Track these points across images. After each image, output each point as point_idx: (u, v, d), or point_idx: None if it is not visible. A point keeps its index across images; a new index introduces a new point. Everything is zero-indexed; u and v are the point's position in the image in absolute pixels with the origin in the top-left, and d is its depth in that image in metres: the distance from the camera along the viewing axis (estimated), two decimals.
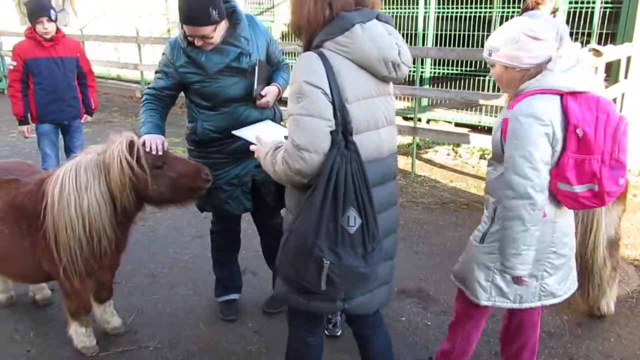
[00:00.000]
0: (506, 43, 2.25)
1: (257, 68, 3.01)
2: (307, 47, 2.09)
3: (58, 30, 5.07)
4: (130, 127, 9.42)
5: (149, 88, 3.17)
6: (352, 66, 2.03)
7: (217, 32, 2.93)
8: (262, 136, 2.37)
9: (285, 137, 2.09)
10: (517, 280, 2.35)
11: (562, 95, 2.20)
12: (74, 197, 2.78)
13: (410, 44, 8.04)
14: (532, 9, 5.08)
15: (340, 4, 2.00)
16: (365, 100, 2.08)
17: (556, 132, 2.19)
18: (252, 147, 2.36)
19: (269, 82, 3.19)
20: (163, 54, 3.12)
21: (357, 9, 2.03)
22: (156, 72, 3.16)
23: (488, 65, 2.46)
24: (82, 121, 5.44)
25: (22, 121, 5.16)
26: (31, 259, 3.01)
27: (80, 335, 3.25)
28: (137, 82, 11.16)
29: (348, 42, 1.98)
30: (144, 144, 2.84)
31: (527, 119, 2.17)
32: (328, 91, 1.95)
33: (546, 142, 2.19)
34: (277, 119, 3.36)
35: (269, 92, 3.12)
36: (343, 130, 1.98)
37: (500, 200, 2.34)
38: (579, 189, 2.23)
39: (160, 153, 2.85)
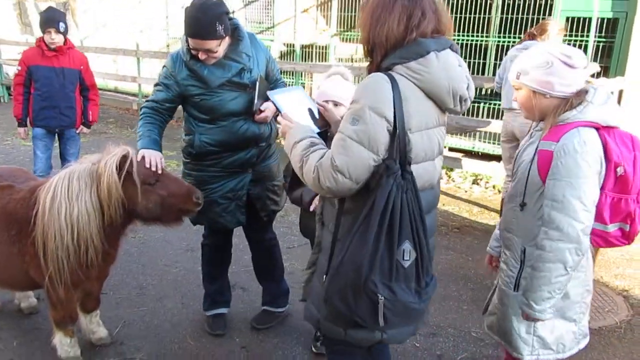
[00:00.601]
0: (538, 67, 2.15)
1: (257, 83, 3.05)
2: (376, 68, 1.99)
3: (67, 41, 5.35)
4: (126, 138, 9.45)
5: (148, 101, 3.16)
6: (420, 94, 1.93)
7: (221, 47, 2.97)
8: (292, 113, 2.24)
9: (311, 112, 2.04)
10: (534, 320, 2.26)
11: (597, 129, 2.09)
12: (65, 206, 2.76)
13: None
14: (532, 39, 5.16)
15: (422, 29, 1.91)
16: (426, 131, 1.98)
17: (601, 169, 2.09)
18: (280, 119, 2.22)
19: (266, 98, 3.23)
20: (164, 66, 3.13)
21: (433, 37, 1.94)
22: (156, 85, 3.16)
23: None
24: (77, 131, 5.59)
25: (20, 123, 5.49)
26: (19, 266, 2.98)
27: (64, 345, 3.20)
28: (134, 94, 11.19)
29: (422, 69, 1.89)
30: (142, 158, 2.83)
31: (582, 156, 2.03)
32: (391, 118, 1.85)
33: (597, 182, 2.08)
34: (273, 135, 3.39)
35: (268, 108, 3.15)
36: (401, 160, 1.87)
37: (530, 239, 2.21)
38: (611, 228, 2.15)
39: (159, 170, 2.83)
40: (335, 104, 2.59)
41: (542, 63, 2.15)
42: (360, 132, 1.85)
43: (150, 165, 2.81)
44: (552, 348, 2.35)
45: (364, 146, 1.85)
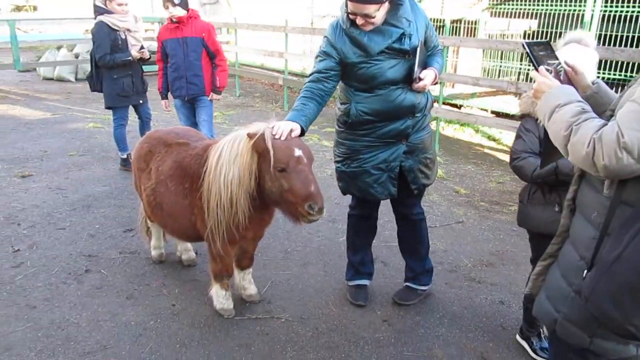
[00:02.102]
0: None
1: (418, 50, 2.94)
2: None
3: (189, 12, 5.54)
4: (270, 112, 9.88)
5: (310, 74, 3.10)
6: None
7: (380, 13, 2.89)
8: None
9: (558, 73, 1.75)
10: None
11: None
12: (226, 167, 2.90)
13: None
14: None
15: None
16: None
17: None
18: (536, 75, 1.88)
19: (424, 66, 3.11)
20: (324, 37, 3.12)
21: None
22: (316, 57, 3.13)
23: None
24: (209, 99, 5.77)
25: (161, 96, 5.94)
26: (189, 217, 3.23)
27: (220, 297, 3.44)
28: (279, 71, 11.63)
29: None
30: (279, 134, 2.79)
31: None
32: None
33: None
34: (429, 106, 3.27)
35: (427, 76, 3.04)
36: None
37: None
38: None
39: (283, 138, 2.76)
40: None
41: None
42: None
43: (276, 133, 2.77)
44: None
45: None
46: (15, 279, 3.85)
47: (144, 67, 6.32)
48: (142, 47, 6.05)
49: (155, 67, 6.08)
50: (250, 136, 2.81)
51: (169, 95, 5.90)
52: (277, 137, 2.76)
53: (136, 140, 6.71)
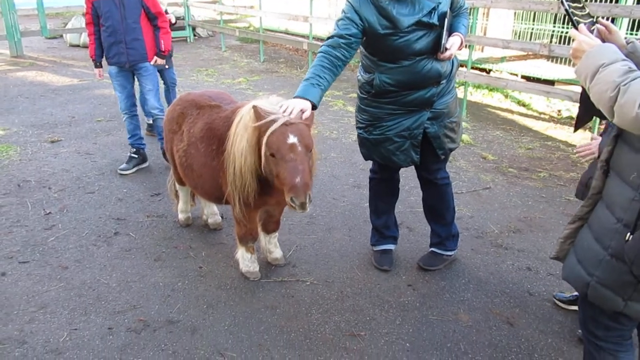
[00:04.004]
0: None
1: (446, 20, 2.83)
2: None
3: None
4: (295, 78, 9.79)
5: (329, 38, 2.90)
6: None
7: None
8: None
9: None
10: None
11: None
12: (240, 136, 2.86)
13: None
14: None
15: None
16: None
17: None
18: (575, 34, 1.79)
19: (450, 32, 3.00)
20: (347, 2, 2.92)
21: None
22: (339, 20, 2.93)
23: None
24: (152, 63, 5.19)
25: (95, 64, 5.23)
26: (217, 179, 3.24)
27: (245, 260, 3.48)
28: (303, 35, 11.47)
29: None
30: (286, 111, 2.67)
31: None
32: None
33: None
34: (455, 70, 3.17)
35: (453, 44, 2.93)
36: None
37: None
38: None
39: (291, 117, 2.63)
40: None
41: None
42: None
43: (285, 111, 2.65)
44: None
45: None
46: (47, 240, 3.95)
47: None
48: (166, 12, 5.99)
49: (180, 33, 5.92)
50: (254, 108, 2.71)
51: (104, 62, 5.19)
52: (285, 114, 2.63)
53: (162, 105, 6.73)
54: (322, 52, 2.86)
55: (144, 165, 5.45)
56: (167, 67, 6.21)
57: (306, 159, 2.65)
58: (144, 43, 5.07)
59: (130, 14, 4.92)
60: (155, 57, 5.19)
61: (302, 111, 2.67)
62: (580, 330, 3.02)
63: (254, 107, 2.71)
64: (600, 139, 2.56)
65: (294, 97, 2.72)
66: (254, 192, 2.96)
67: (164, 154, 5.38)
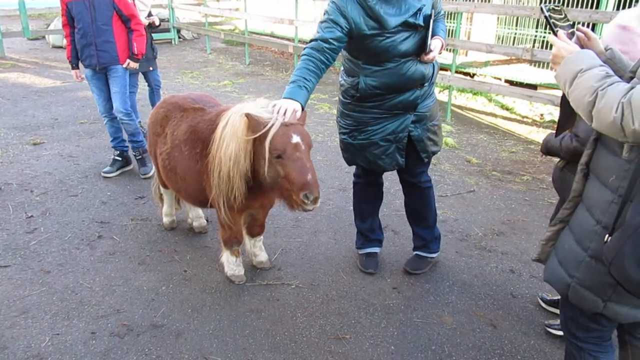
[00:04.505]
0: None
1: (431, 22, 2.86)
2: None
3: None
4: (280, 81, 9.79)
5: (312, 40, 2.88)
6: None
7: None
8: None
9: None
10: None
11: None
12: (228, 140, 2.83)
13: None
14: None
15: None
16: None
17: None
18: (554, 41, 1.84)
19: (433, 36, 3.02)
20: (332, 2, 2.89)
21: None
22: (322, 22, 2.88)
23: None
24: (124, 66, 5.01)
25: (72, 66, 5.09)
26: (200, 182, 3.22)
27: (230, 263, 3.46)
28: (289, 39, 11.47)
29: None
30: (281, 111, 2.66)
31: None
32: None
33: None
34: (436, 73, 3.19)
35: (436, 47, 2.96)
36: None
37: None
38: None
39: (286, 119, 2.64)
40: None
41: None
42: None
43: (279, 112, 2.65)
44: None
45: None
46: (29, 244, 3.90)
47: (153, 34, 6.22)
48: (150, 14, 5.96)
49: (165, 35, 5.87)
50: (247, 117, 2.69)
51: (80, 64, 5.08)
52: (279, 117, 2.64)
53: (146, 108, 6.72)
54: (306, 54, 2.85)
55: (127, 168, 5.41)
56: (151, 69, 6.18)
57: (309, 156, 2.71)
58: (115, 46, 4.90)
59: (100, 15, 4.77)
60: (128, 60, 5.01)
61: (295, 111, 2.68)
62: (546, 322, 3.11)
63: (248, 116, 2.68)
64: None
65: (283, 98, 2.72)
66: (242, 195, 2.95)
67: (136, 156, 5.35)
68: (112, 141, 5.35)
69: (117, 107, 5.05)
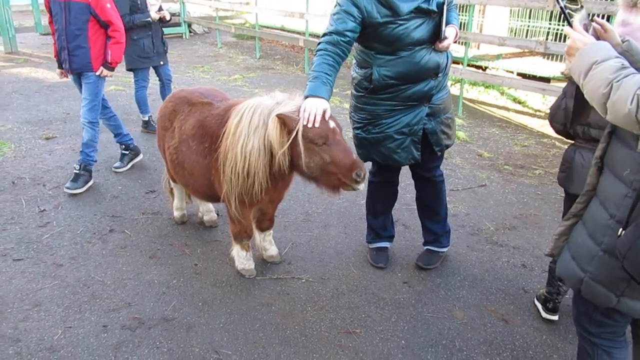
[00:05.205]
0: None
1: (444, 8, 2.82)
2: None
3: None
4: (291, 75, 9.77)
5: (325, 34, 2.87)
6: None
7: None
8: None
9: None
10: None
11: None
12: (244, 136, 2.84)
13: None
14: None
15: None
16: None
17: None
18: (570, 32, 1.81)
19: (448, 23, 2.98)
20: None
21: None
22: (334, 14, 2.87)
23: None
24: (98, 74, 4.68)
25: (58, 64, 4.86)
26: (208, 177, 3.23)
27: (241, 257, 3.47)
28: (299, 32, 11.44)
29: None
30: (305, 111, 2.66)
31: None
32: None
33: None
34: (449, 64, 3.15)
35: (450, 34, 2.93)
36: None
37: None
38: None
39: (316, 125, 2.65)
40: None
41: None
42: None
43: (308, 121, 2.64)
44: None
45: None
46: (42, 238, 3.94)
47: (164, 29, 6.23)
48: (160, 8, 5.97)
49: (175, 29, 5.83)
50: (280, 117, 2.71)
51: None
52: (309, 124, 2.64)
53: (157, 102, 6.75)
54: (322, 49, 2.83)
55: (138, 159, 5.43)
56: (162, 63, 6.20)
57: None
58: (89, 52, 4.58)
59: (75, 20, 4.46)
60: (102, 68, 4.67)
61: (324, 111, 2.69)
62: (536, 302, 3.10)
63: (280, 116, 2.70)
64: None
65: (307, 96, 2.71)
66: (264, 190, 2.97)
67: (124, 154, 5.36)
68: (115, 137, 5.37)
69: (83, 114, 4.77)
